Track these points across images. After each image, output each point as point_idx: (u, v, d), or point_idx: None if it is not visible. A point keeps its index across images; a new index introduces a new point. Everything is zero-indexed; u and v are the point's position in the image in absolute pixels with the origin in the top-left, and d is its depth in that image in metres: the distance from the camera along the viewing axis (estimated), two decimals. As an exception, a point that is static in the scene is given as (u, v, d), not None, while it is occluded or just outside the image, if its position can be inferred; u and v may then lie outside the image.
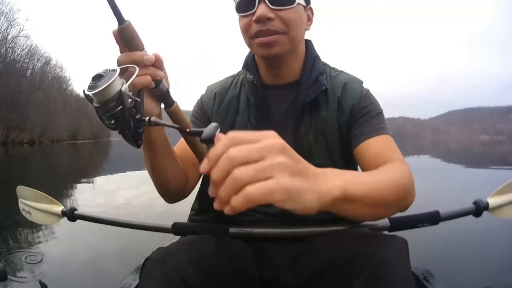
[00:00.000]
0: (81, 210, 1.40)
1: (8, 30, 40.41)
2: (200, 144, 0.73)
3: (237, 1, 0.83)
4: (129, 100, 0.54)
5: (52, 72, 54.82)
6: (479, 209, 1.12)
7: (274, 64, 0.90)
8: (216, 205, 0.42)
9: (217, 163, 0.40)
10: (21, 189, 1.49)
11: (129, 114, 0.55)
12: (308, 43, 0.94)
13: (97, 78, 0.52)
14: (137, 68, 0.57)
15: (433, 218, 1.00)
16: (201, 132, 0.54)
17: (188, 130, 0.62)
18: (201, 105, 0.99)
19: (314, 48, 0.95)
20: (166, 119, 0.67)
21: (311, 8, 0.89)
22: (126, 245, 2.67)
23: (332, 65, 0.98)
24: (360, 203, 0.58)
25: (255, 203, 0.40)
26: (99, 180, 7.08)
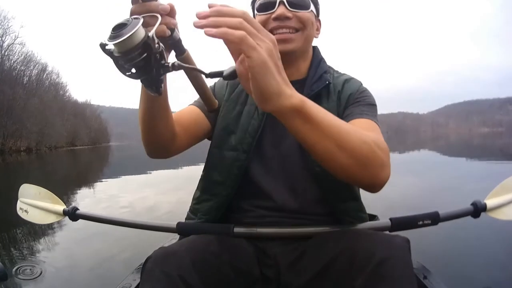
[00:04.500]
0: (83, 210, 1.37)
1: (3, 38, 40.50)
2: (208, 90, 0.80)
3: (258, 3, 0.92)
4: (156, 45, 0.54)
5: (49, 79, 54.85)
6: (477, 210, 1.13)
7: (285, 61, 0.92)
8: (199, 22, 0.52)
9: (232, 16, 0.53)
10: (24, 188, 1.45)
11: (155, 60, 0.55)
12: (314, 48, 1.03)
13: (120, 27, 0.51)
14: (159, 17, 0.57)
15: (433, 219, 1.01)
16: (222, 72, 0.62)
17: (208, 72, 0.66)
18: (214, 91, 1.02)
19: (320, 52, 1.03)
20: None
21: (319, 20, 1.00)
22: (129, 246, 2.68)
23: (331, 64, 1.05)
24: (318, 129, 0.62)
25: (238, 45, 0.52)
26: (99, 186, 7.08)
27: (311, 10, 0.92)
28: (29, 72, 46.44)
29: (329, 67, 1.03)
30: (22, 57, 44.52)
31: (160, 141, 0.85)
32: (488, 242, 2.58)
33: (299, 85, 0.95)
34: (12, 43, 41.62)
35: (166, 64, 0.57)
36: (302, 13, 0.89)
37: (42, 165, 15.75)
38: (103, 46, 0.52)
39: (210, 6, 0.54)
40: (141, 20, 0.53)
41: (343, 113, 0.92)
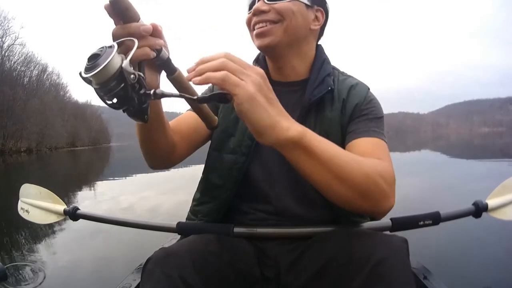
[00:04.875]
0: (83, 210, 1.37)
1: (3, 39, 40.50)
2: (205, 108, 0.76)
3: (248, 3, 0.92)
4: (132, 76, 0.52)
5: (50, 80, 54.89)
6: (478, 210, 1.13)
7: (274, 58, 0.93)
8: (189, 76, 0.55)
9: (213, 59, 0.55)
10: (25, 188, 1.45)
11: (133, 91, 0.53)
12: (318, 47, 0.97)
13: (94, 58, 0.50)
14: (136, 41, 0.55)
15: (434, 219, 1.00)
16: (211, 96, 0.58)
17: (196, 97, 0.63)
18: (212, 91, 1.00)
19: (324, 52, 0.97)
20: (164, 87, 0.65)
21: (321, 10, 0.92)
22: (130, 246, 2.68)
23: (333, 63, 1.00)
24: (317, 161, 0.61)
25: (223, 85, 0.54)
26: (100, 186, 7.08)
27: None
28: (29, 72, 46.47)
29: (334, 67, 0.97)
30: (23, 57, 44.53)
31: (159, 154, 0.85)
32: (489, 242, 2.58)
33: (299, 87, 0.93)
34: (13, 44, 41.65)
35: (147, 92, 0.55)
36: (280, 4, 0.84)
37: (43, 166, 15.76)
38: (82, 76, 0.51)
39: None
40: (115, 49, 0.51)
41: (347, 125, 0.88)
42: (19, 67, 43.77)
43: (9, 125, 35.22)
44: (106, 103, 0.54)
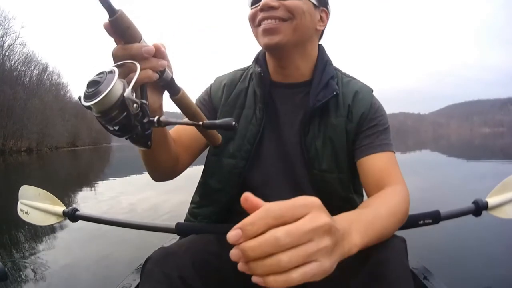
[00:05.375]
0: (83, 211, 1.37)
1: (4, 39, 40.56)
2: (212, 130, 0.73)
3: None
4: (135, 105, 0.49)
5: (50, 79, 54.95)
6: (478, 208, 1.13)
7: (279, 58, 0.90)
8: (242, 268, 0.42)
9: (257, 240, 0.38)
10: (24, 189, 1.45)
11: (135, 119, 0.50)
12: (320, 47, 0.95)
13: (94, 84, 0.47)
14: (138, 65, 0.52)
15: (434, 218, 1.01)
16: (218, 124, 0.54)
17: (201, 123, 0.59)
18: (210, 93, 0.98)
19: (325, 52, 0.95)
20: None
21: (325, 11, 0.90)
22: (129, 246, 2.69)
23: (333, 63, 0.98)
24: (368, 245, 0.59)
25: (293, 285, 0.38)
26: (100, 186, 7.08)
27: None
28: (30, 72, 46.59)
29: (336, 69, 0.96)
30: (23, 57, 44.66)
31: (164, 170, 0.84)
32: (489, 241, 2.58)
33: (301, 88, 0.91)
34: (13, 44, 41.75)
35: (150, 119, 0.52)
36: (290, 2, 0.81)
37: (43, 166, 15.76)
38: (82, 104, 0.47)
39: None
40: (116, 75, 0.47)
41: (355, 133, 0.87)
42: (19, 67, 43.90)
43: (10, 124, 35.25)
44: (108, 130, 0.50)
